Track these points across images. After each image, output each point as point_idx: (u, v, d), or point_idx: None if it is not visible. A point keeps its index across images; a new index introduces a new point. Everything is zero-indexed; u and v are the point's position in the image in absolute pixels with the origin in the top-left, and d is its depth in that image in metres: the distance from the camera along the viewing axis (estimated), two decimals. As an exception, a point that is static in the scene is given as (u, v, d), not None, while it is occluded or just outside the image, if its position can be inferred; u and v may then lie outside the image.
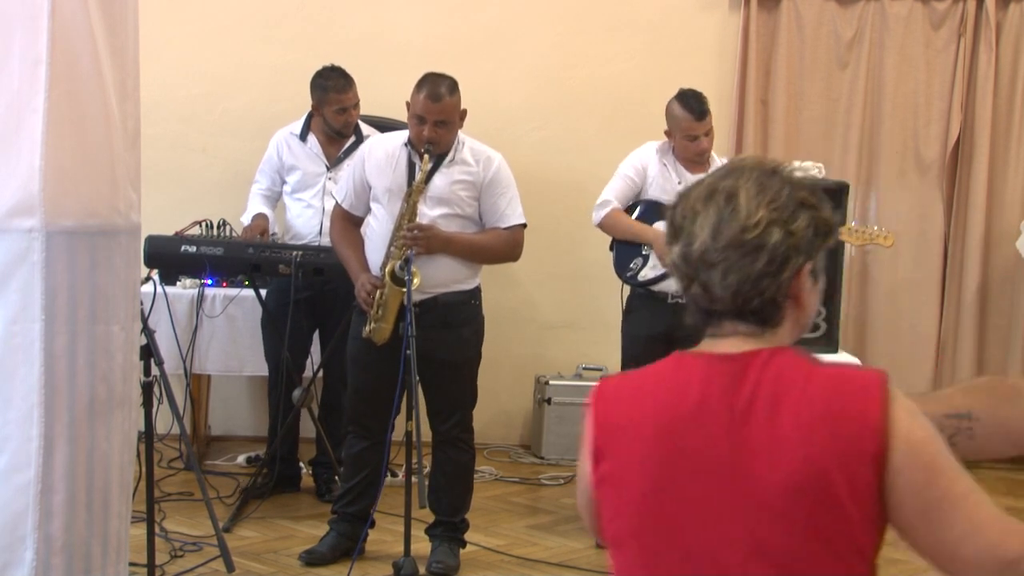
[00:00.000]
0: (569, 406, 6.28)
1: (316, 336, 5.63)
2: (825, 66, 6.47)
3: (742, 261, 1.79)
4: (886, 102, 6.42)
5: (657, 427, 1.84)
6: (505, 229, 4.69)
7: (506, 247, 4.73)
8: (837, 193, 5.53)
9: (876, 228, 5.16)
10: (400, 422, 4.52)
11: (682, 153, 5.17)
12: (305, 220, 5.52)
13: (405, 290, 4.38)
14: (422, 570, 4.59)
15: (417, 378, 4.32)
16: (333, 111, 5.41)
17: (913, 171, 6.38)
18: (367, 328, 4.57)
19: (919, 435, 1.72)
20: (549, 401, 6.37)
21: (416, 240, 4.45)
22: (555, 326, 6.48)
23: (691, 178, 5.14)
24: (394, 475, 5.41)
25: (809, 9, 6.42)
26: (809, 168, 5.68)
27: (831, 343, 5.50)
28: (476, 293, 4.75)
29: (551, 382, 6.38)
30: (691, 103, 5.09)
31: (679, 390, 1.84)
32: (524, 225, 4.74)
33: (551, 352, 6.49)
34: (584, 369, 6.30)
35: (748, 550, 1.75)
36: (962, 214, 6.44)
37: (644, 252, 5.13)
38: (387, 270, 4.50)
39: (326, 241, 5.22)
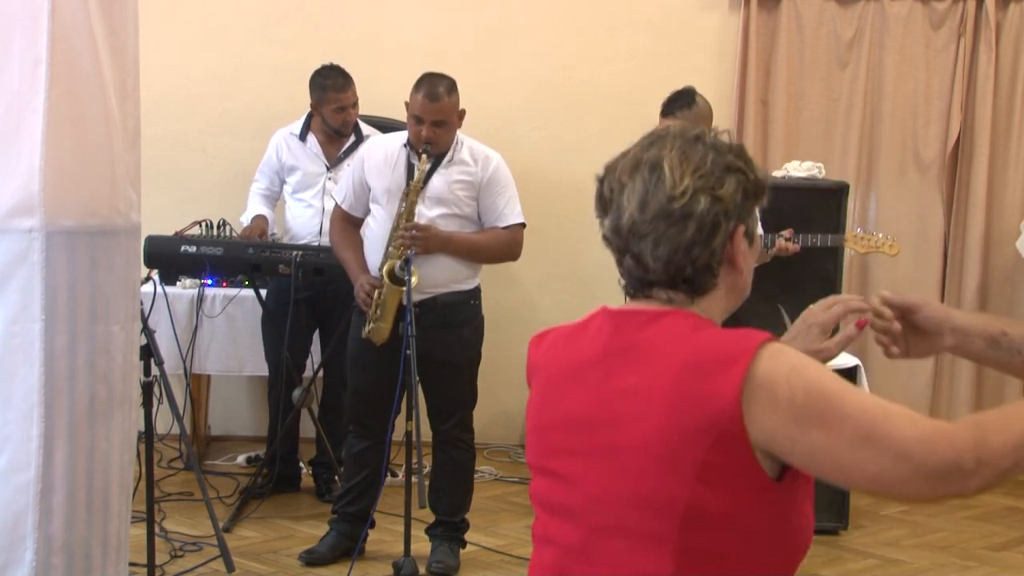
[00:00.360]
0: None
1: (316, 336, 5.63)
2: (825, 66, 6.46)
3: (671, 231, 1.80)
4: (886, 102, 6.41)
5: (551, 370, 1.96)
6: (504, 229, 4.69)
7: (505, 247, 4.73)
8: (837, 193, 5.53)
9: (881, 236, 5.15)
10: (400, 422, 4.53)
11: None
12: (305, 220, 5.52)
13: (403, 290, 4.38)
14: (422, 570, 4.59)
15: (417, 378, 4.32)
16: (332, 110, 5.41)
17: (913, 171, 6.38)
18: (366, 328, 4.57)
19: (779, 373, 1.68)
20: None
21: (414, 240, 4.45)
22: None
23: None
24: (394, 475, 5.41)
25: (809, 9, 6.41)
26: (811, 168, 5.70)
27: None
28: (476, 293, 4.75)
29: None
30: (669, 98, 5.11)
31: (580, 339, 1.93)
32: (523, 224, 4.74)
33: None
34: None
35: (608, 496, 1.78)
36: (962, 214, 6.43)
37: None
38: (385, 270, 4.50)
39: (326, 241, 5.22)
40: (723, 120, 6.45)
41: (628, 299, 1.93)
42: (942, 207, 6.44)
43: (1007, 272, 6.39)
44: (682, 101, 5.07)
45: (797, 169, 5.69)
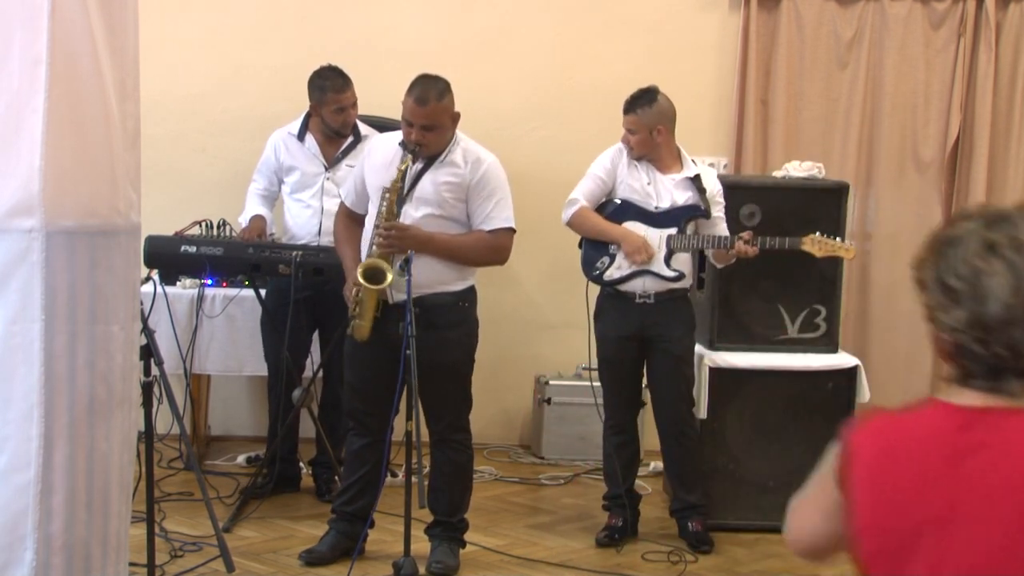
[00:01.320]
0: (569, 406, 6.29)
1: (315, 336, 5.63)
2: (825, 66, 6.49)
3: None
4: (885, 102, 6.43)
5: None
6: (488, 232, 4.66)
7: (487, 250, 4.69)
8: (837, 193, 5.54)
9: (838, 240, 5.11)
10: (400, 422, 4.53)
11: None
12: (303, 220, 5.53)
13: (379, 288, 4.43)
14: (422, 570, 4.60)
15: (416, 379, 4.31)
16: (331, 111, 5.42)
17: (912, 170, 6.40)
18: (349, 326, 4.60)
19: None
20: (549, 401, 6.38)
21: (388, 239, 4.45)
22: (555, 326, 6.47)
23: (661, 178, 5.12)
24: (394, 475, 5.41)
25: (809, 9, 6.43)
26: (810, 169, 5.70)
27: (831, 343, 5.51)
28: (466, 295, 4.72)
29: (551, 382, 6.38)
30: (632, 95, 5.11)
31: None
32: (512, 230, 4.70)
33: (551, 352, 6.49)
34: (584, 369, 6.28)
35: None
36: (961, 213, 6.43)
37: (611, 251, 5.11)
38: (360, 269, 4.51)
39: (324, 241, 5.24)
40: (723, 121, 6.48)
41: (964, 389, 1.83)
42: (941, 207, 6.46)
43: (1006, 272, 6.38)
44: (644, 99, 5.06)
45: (797, 169, 5.69)
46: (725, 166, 6.41)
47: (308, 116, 5.56)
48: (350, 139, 5.53)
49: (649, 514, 5.46)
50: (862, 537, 1.81)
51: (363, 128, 5.56)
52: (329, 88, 5.41)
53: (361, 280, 4.47)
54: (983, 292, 1.74)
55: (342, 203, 4.84)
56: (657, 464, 5.84)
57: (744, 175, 6.31)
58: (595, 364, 5.44)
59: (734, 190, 5.34)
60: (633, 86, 6.20)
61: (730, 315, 5.49)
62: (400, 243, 4.46)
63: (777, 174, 5.78)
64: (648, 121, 5.03)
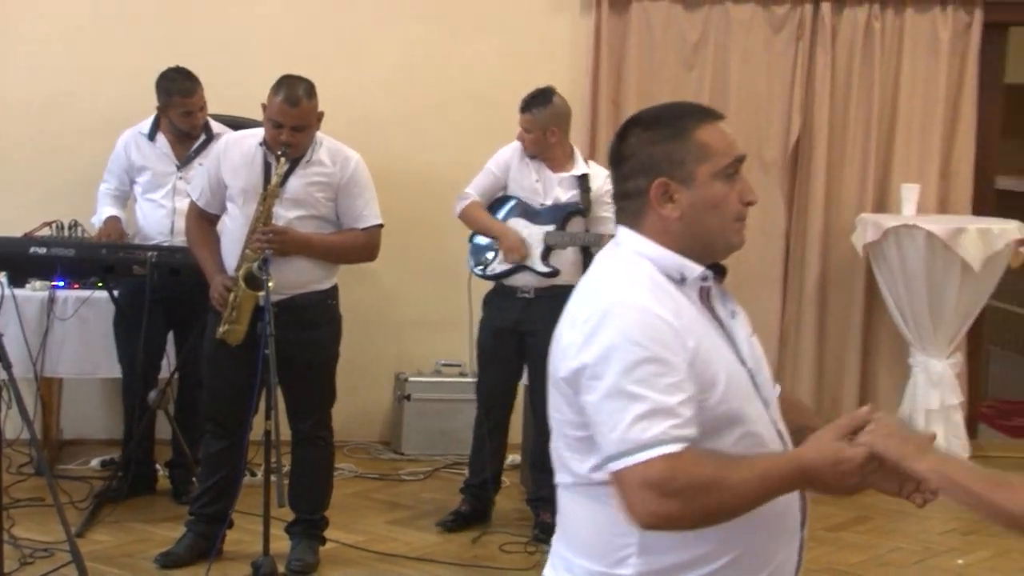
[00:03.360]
0: (428, 402, 6.26)
1: (171, 337, 5.50)
2: (673, 68, 6.55)
3: None
4: (731, 103, 6.52)
5: None
6: (362, 230, 4.67)
7: (363, 248, 4.73)
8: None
9: None
10: (259, 421, 4.47)
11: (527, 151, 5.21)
12: (156, 220, 5.41)
13: (259, 293, 4.36)
14: (281, 568, 4.53)
15: (276, 378, 4.27)
16: (178, 114, 5.31)
17: (757, 170, 6.49)
18: (221, 329, 4.51)
19: None
20: (409, 397, 6.34)
21: (271, 243, 4.39)
22: (415, 324, 6.44)
23: (550, 176, 5.17)
24: (252, 474, 5.31)
25: (657, 13, 6.50)
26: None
27: None
28: (333, 293, 4.73)
29: (411, 379, 6.34)
30: (530, 94, 5.14)
31: None
32: (381, 226, 4.72)
33: (411, 349, 6.45)
34: (443, 365, 6.28)
35: None
36: (802, 210, 6.60)
37: (495, 247, 5.15)
38: (241, 273, 4.45)
39: (177, 241, 5.13)
40: (577, 120, 6.46)
41: None
42: (784, 204, 6.60)
43: (845, 265, 6.58)
44: (540, 100, 5.12)
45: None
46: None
47: (158, 116, 5.43)
48: (202, 138, 5.41)
49: (507, 506, 5.47)
50: None
51: (215, 126, 5.45)
52: (175, 91, 5.30)
53: (243, 285, 4.41)
54: None
55: (193, 203, 4.72)
56: (515, 457, 5.85)
57: (597, 173, 6.36)
58: (456, 360, 5.48)
59: None
60: (489, 86, 6.24)
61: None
62: (281, 246, 4.42)
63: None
64: (542, 121, 5.10)
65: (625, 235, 2.10)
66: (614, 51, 6.51)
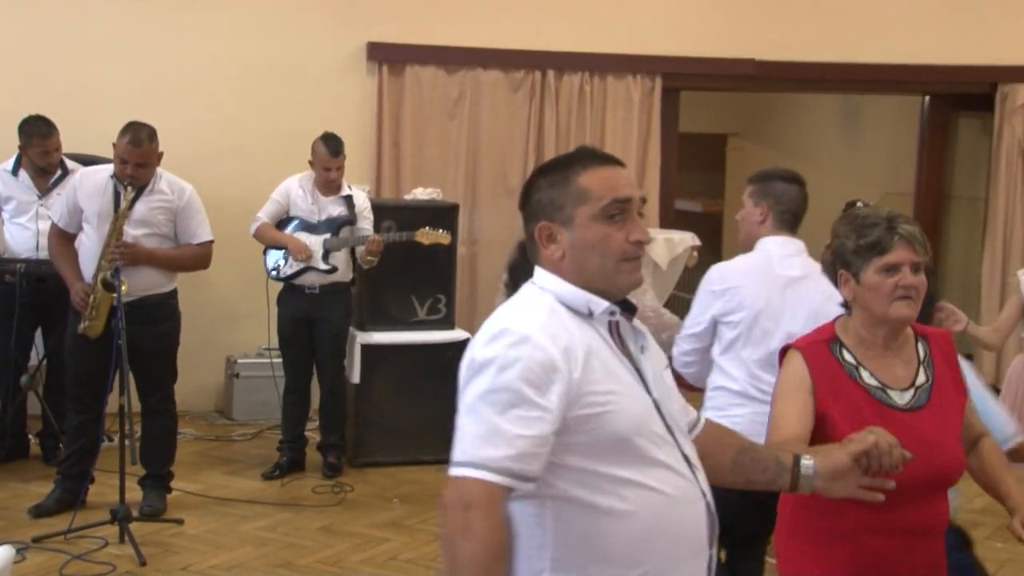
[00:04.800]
0: (253, 378, 6.20)
1: (39, 332, 5.29)
2: (439, 118, 6.60)
3: None
4: (482, 144, 6.63)
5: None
6: (197, 245, 4.66)
7: (198, 259, 4.72)
8: (451, 211, 5.73)
9: (440, 231, 5.29)
10: (113, 397, 4.40)
11: (319, 180, 5.25)
12: (23, 240, 5.24)
13: (113, 295, 4.32)
14: (136, 513, 4.44)
15: (128, 364, 4.23)
16: (37, 153, 5.16)
17: (502, 195, 6.54)
18: (82, 325, 4.44)
19: None
20: (238, 375, 6.28)
21: (123, 255, 4.35)
22: (241, 317, 6.34)
23: (324, 201, 5.24)
24: (110, 439, 5.18)
25: (425, 75, 6.56)
26: (431, 193, 5.88)
27: (449, 323, 5.64)
28: (173, 294, 4.71)
29: (239, 360, 6.29)
30: (329, 143, 5.22)
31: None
32: (212, 241, 4.71)
33: (239, 337, 6.35)
34: (265, 349, 6.21)
35: None
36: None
37: (284, 255, 5.24)
38: (98, 279, 4.40)
39: (42, 256, 4.98)
40: (364, 157, 6.52)
41: None
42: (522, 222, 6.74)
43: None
44: (342, 145, 5.26)
45: (422, 193, 5.88)
46: (368, 191, 6.50)
47: (20, 154, 5.23)
48: (59, 173, 5.25)
49: (319, 458, 5.45)
50: None
51: (70, 164, 5.30)
52: (35, 135, 5.14)
53: (101, 289, 4.37)
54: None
55: (55, 224, 4.60)
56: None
57: (383, 198, 6.39)
58: (275, 345, 5.45)
59: (376, 209, 5.47)
60: (298, 129, 6.10)
61: (376, 304, 5.60)
62: (132, 258, 4.39)
63: (407, 197, 5.95)
64: (342, 160, 5.26)
65: (537, 272, 1.81)
66: (393, 104, 6.56)
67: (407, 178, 6.53)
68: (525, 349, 1.65)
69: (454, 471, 1.63)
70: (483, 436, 1.61)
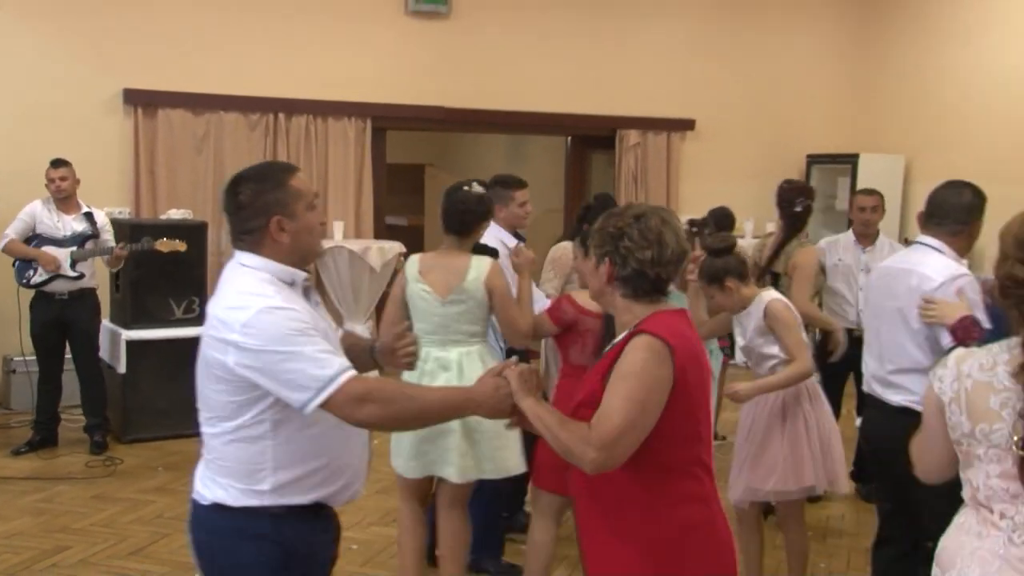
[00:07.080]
0: (26, 373, 5.88)
1: None
2: (188, 152, 6.46)
3: None
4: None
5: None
6: None
7: None
8: (200, 228, 5.65)
9: (176, 241, 5.16)
10: None
11: (51, 193, 5.16)
12: None
13: None
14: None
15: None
16: None
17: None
18: None
19: None
20: (14, 371, 5.99)
21: None
22: (15, 320, 5.98)
23: (67, 219, 5.17)
24: None
25: (175, 116, 6.45)
26: (183, 213, 5.86)
27: (201, 320, 5.55)
28: None
29: (14, 358, 5.98)
30: (53, 161, 5.14)
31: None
32: None
33: (12, 339, 5.99)
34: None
35: None
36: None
37: (35, 266, 5.12)
38: None
39: None
40: (125, 183, 6.36)
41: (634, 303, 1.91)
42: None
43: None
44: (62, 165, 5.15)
45: (176, 213, 5.86)
46: (129, 212, 6.37)
47: None
48: None
49: (72, 436, 5.30)
50: None
51: None
52: None
53: None
54: (664, 241, 1.88)
55: None
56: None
57: (142, 218, 6.27)
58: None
59: (137, 227, 5.36)
60: (76, 162, 5.74)
61: (139, 306, 5.52)
62: None
63: (163, 216, 5.90)
64: (65, 174, 5.11)
65: (248, 258, 1.94)
66: (148, 140, 6.41)
67: (163, 201, 6.43)
68: (287, 311, 1.87)
69: (329, 390, 1.80)
70: (318, 361, 1.82)
